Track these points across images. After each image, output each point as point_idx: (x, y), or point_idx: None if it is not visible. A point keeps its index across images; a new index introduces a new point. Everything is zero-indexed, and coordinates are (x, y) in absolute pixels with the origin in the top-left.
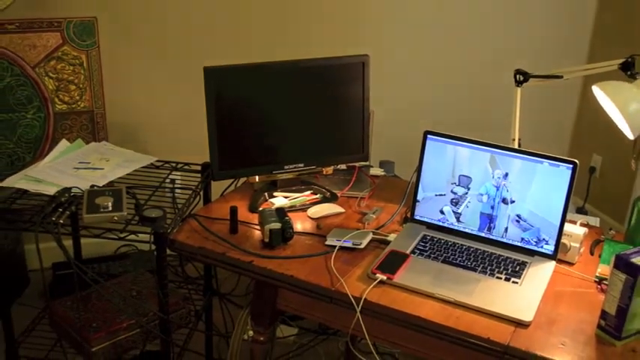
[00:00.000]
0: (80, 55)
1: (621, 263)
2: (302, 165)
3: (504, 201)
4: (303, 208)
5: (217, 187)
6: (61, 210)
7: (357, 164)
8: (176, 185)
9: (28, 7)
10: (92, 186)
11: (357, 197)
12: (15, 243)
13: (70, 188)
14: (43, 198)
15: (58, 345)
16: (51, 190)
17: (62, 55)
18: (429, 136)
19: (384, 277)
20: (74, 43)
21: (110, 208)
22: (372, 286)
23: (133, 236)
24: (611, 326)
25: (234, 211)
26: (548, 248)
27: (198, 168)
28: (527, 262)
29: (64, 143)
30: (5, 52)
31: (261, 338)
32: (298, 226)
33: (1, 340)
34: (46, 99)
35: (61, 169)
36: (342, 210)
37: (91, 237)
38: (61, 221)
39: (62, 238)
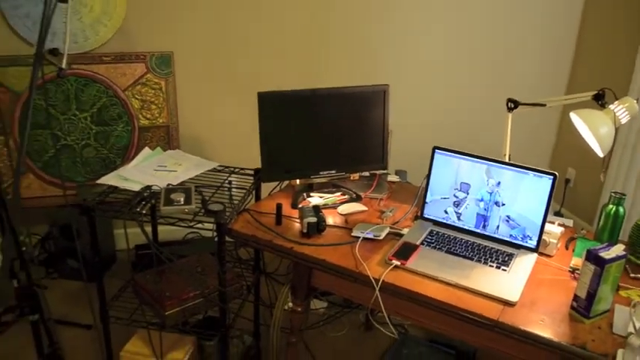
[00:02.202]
0: (160, 82)
1: (591, 256)
2: (334, 171)
3: (496, 204)
4: (334, 206)
5: (266, 187)
6: (143, 203)
7: (377, 172)
8: (233, 185)
9: (120, 43)
10: (168, 184)
11: (377, 198)
12: (107, 228)
13: (151, 186)
14: (130, 193)
15: (139, 309)
16: (136, 187)
17: (146, 81)
18: (436, 150)
19: (399, 263)
20: (155, 72)
21: (182, 202)
22: (388, 269)
23: (199, 225)
24: (581, 307)
25: (279, 207)
26: (532, 243)
27: (251, 172)
28: (514, 254)
29: (146, 150)
30: (102, 78)
31: (299, 309)
32: (330, 220)
33: (96, 303)
34: (132, 116)
35: (144, 171)
36: (365, 208)
37: (166, 225)
38: (144, 211)
39: (144, 225)
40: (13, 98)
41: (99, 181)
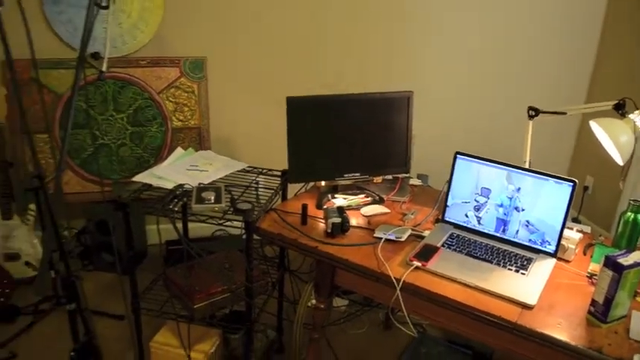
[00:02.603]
0: (192, 85)
1: (609, 262)
2: (358, 174)
3: (516, 209)
4: (358, 207)
5: (292, 188)
6: (176, 200)
7: (400, 175)
8: (260, 185)
9: (156, 48)
10: (199, 183)
11: (399, 201)
12: (140, 224)
13: (183, 184)
14: (163, 191)
15: (169, 301)
16: (169, 185)
17: (179, 84)
18: (458, 155)
19: (419, 264)
20: (189, 76)
21: (212, 201)
22: (409, 270)
23: (227, 223)
24: (599, 312)
25: (305, 207)
26: (551, 248)
27: (279, 173)
28: (532, 258)
29: (179, 150)
30: (138, 81)
31: (322, 306)
32: (353, 221)
33: (128, 295)
34: (166, 117)
35: (176, 170)
36: (388, 210)
37: (196, 222)
38: (176, 209)
39: (175, 221)
40: (54, 99)
41: (134, 179)
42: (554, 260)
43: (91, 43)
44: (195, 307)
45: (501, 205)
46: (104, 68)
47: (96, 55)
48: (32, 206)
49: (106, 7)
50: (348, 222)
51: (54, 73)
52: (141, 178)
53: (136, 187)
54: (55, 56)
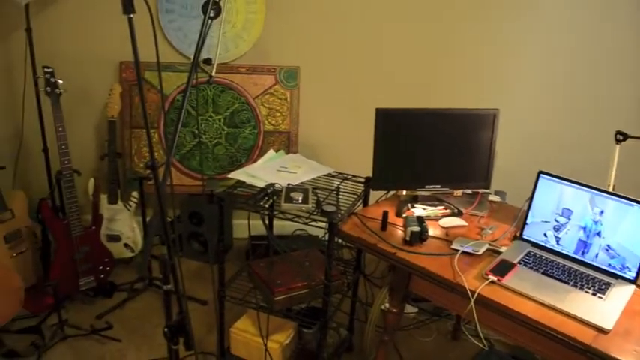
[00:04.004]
0: (285, 93)
1: None
2: (439, 186)
3: (597, 233)
4: (436, 218)
5: (373, 195)
6: (266, 198)
7: (480, 190)
8: (341, 190)
9: (254, 57)
10: (288, 184)
11: (477, 216)
12: (227, 217)
13: (274, 184)
14: (254, 188)
15: (252, 292)
16: (261, 184)
17: (274, 91)
18: (541, 175)
19: (495, 279)
20: (283, 83)
21: (300, 201)
22: (484, 284)
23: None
24: None
25: (385, 214)
26: (630, 274)
27: (362, 180)
28: (611, 283)
29: (271, 152)
30: (237, 86)
31: (394, 310)
32: (431, 232)
33: (212, 283)
34: (259, 121)
35: (268, 170)
36: (466, 224)
37: (283, 219)
38: (266, 206)
39: (265, 218)
40: (162, 98)
41: (229, 176)
42: (633, 287)
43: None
44: (275, 299)
45: (582, 228)
46: (213, 73)
47: (208, 61)
48: (135, 194)
49: (215, 18)
50: (427, 231)
51: (162, 75)
52: (236, 175)
53: (230, 184)
54: (165, 60)
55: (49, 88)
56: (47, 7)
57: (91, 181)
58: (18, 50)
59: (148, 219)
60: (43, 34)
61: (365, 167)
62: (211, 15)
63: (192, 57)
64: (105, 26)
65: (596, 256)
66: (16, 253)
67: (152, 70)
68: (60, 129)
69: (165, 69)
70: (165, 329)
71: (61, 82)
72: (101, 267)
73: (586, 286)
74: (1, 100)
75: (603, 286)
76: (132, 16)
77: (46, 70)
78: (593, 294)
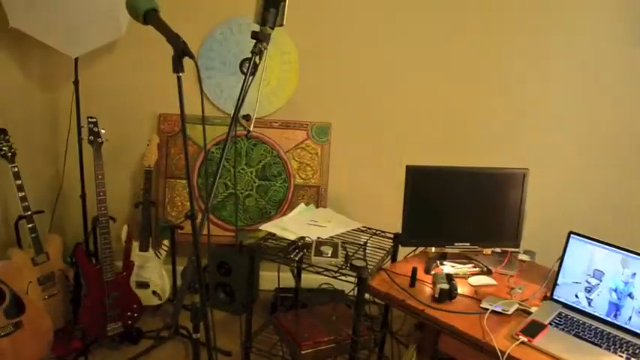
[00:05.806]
0: (317, 148)
1: None
2: (468, 244)
3: (630, 295)
4: (465, 276)
5: (402, 251)
6: (297, 251)
7: (509, 249)
8: (370, 245)
9: (287, 113)
10: (318, 238)
11: (507, 275)
12: (255, 268)
13: (304, 237)
14: (285, 241)
15: (278, 344)
16: (292, 237)
17: (305, 146)
18: (572, 235)
19: (525, 339)
20: (314, 139)
21: (330, 255)
22: (515, 344)
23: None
24: None
25: (414, 270)
26: None
27: (391, 236)
28: None
29: (302, 206)
30: (269, 140)
31: None
32: (460, 290)
33: (242, 334)
34: (290, 174)
35: (298, 223)
36: (495, 282)
37: (313, 273)
38: (296, 258)
39: (294, 270)
40: (197, 150)
41: (262, 227)
42: None
43: (233, 104)
44: (302, 352)
45: (615, 290)
46: (251, 128)
47: (247, 117)
48: (166, 242)
49: (253, 74)
50: (456, 289)
51: (199, 128)
52: (268, 227)
53: (259, 235)
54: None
55: (91, 137)
56: (94, 62)
57: (125, 228)
58: (65, 100)
59: (178, 267)
60: (89, 86)
61: (393, 223)
62: (252, 72)
63: (226, 111)
64: (146, 81)
65: (630, 319)
66: (48, 296)
67: (191, 123)
68: (99, 176)
69: (200, 122)
70: None
71: (103, 131)
72: (129, 313)
73: (619, 350)
74: (46, 147)
75: (637, 351)
76: (180, 75)
77: (89, 120)
78: (627, 358)
